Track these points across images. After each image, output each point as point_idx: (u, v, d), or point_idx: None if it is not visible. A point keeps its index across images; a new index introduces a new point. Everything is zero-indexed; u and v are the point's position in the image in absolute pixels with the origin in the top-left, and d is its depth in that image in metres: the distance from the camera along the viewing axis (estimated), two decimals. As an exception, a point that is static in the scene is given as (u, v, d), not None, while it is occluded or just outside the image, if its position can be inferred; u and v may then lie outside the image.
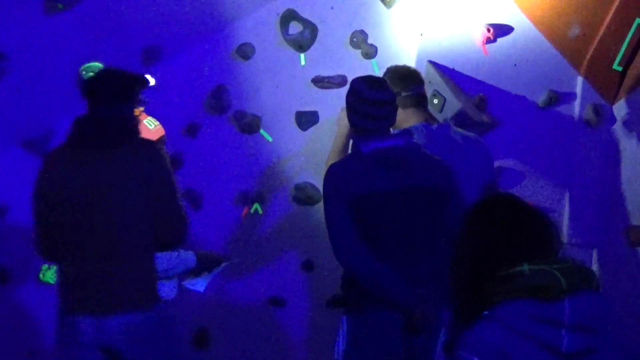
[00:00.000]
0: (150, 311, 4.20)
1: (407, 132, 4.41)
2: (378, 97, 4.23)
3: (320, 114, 5.57)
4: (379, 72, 5.48)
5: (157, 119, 5.64)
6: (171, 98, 5.67)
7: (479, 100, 5.40)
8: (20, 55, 4.99)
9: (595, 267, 5.41)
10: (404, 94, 4.78)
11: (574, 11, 5.39)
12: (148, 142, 4.35)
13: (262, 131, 5.59)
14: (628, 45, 5.40)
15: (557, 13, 5.40)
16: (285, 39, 5.60)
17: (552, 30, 5.43)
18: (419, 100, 4.85)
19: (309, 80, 5.53)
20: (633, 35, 5.38)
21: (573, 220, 5.51)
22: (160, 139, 4.91)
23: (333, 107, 5.56)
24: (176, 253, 4.76)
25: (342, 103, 5.57)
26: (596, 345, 2.52)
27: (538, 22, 5.42)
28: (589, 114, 5.49)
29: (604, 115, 5.52)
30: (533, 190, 5.48)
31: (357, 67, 5.55)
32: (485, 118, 5.38)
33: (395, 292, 4.16)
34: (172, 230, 4.27)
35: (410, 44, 5.45)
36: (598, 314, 2.54)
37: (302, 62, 5.60)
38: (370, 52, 5.53)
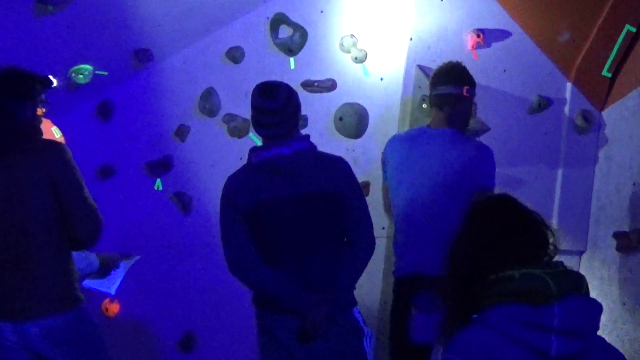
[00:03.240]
0: (69, 313, 4.16)
1: (302, 138, 4.34)
2: (264, 106, 4.18)
3: (309, 117, 5.54)
4: (368, 76, 5.53)
5: (146, 121, 5.65)
6: (161, 101, 5.67)
7: (469, 105, 5.40)
8: (10, 57, 4.96)
9: (582, 272, 5.41)
10: (433, 92, 4.91)
11: (564, 17, 5.40)
12: (51, 142, 4.25)
13: (251, 134, 5.57)
14: (617, 51, 5.41)
15: (547, 19, 5.41)
16: (275, 43, 5.60)
17: (542, 36, 5.44)
18: (442, 102, 4.88)
19: (299, 84, 5.49)
20: (622, 42, 5.39)
21: (561, 225, 5.52)
22: None
23: (322, 111, 5.58)
24: (84, 255, 4.72)
25: (332, 107, 5.61)
26: (585, 349, 2.53)
27: (528, 28, 5.42)
28: (578, 119, 5.50)
29: (593, 121, 5.52)
30: (521, 195, 5.47)
31: (346, 71, 5.57)
32: (474, 123, 5.38)
33: (287, 299, 4.20)
34: (84, 229, 4.17)
35: (400, 48, 5.45)
36: (587, 318, 2.54)
37: (292, 66, 5.60)
38: (360, 56, 5.51)
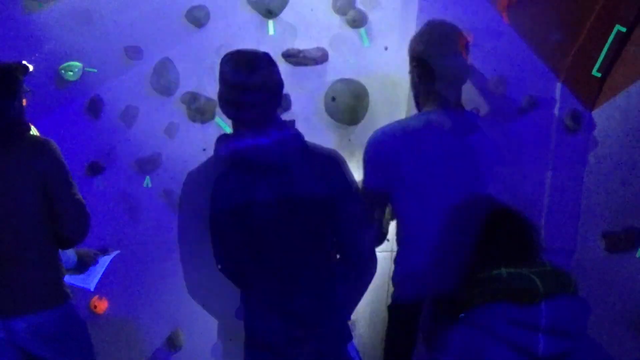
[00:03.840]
0: (57, 309, 4.23)
1: (285, 125, 3.55)
2: (238, 80, 3.37)
3: (293, 98, 4.96)
4: (368, 44, 4.94)
5: (135, 118, 5.64)
6: (150, 98, 5.65)
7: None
8: (-1, 54, 4.98)
9: (571, 272, 5.43)
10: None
11: (554, 17, 5.42)
12: (40, 139, 4.29)
13: (217, 119, 4.97)
14: (607, 51, 5.43)
15: (537, 18, 5.43)
16: (249, 2, 4.83)
17: (532, 36, 5.45)
18: None
19: (279, 55, 4.79)
20: (612, 42, 5.41)
21: (550, 225, 5.53)
22: None
23: (310, 90, 4.98)
24: (62, 250, 4.72)
25: (322, 84, 4.86)
26: (572, 348, 2.54)
27: (518, 27, 5.44)
28: (568, 120, 5.51)
29: (583, 121, 5.54)
30: (511, 195, 5.49)
31: (341, 38, 4.92)
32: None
33: (263, 333, 3.49)
34: (72, 226, 4.23)
35: (409, 9, 4.82)
36: (575, 317, 2.56)
37: (271, 32, 4.85)
38: (358, 19, 4.73)
